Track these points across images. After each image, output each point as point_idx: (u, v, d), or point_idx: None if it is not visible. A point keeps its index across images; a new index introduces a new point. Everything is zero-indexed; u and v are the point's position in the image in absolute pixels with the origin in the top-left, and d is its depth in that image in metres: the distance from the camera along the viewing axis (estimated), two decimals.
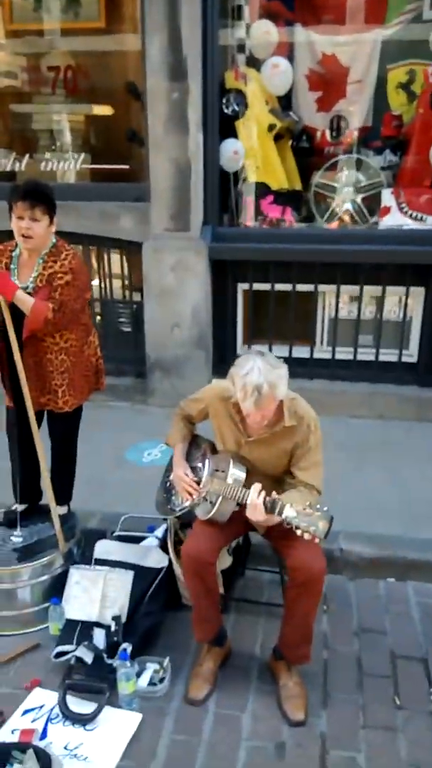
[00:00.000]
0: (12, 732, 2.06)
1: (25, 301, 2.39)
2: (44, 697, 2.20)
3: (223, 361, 4.25)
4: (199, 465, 2.35)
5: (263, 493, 2.02)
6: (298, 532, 1.93)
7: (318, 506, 1.95)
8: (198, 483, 2.27)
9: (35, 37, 4.67)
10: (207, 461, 2.31)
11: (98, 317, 4.54)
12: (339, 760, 1.98)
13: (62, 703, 2.13)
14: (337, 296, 4.12)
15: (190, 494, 2.26)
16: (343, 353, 4.23)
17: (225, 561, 2.51)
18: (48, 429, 2.75)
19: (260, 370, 1.95)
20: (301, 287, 4.13)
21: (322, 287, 4.14)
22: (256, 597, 2.68)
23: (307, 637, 2.16)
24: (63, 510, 2.80)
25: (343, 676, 2.30)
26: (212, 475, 2.22)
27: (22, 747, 1.94)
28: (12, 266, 2.50)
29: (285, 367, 2.04)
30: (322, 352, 4.29)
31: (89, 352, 2.68)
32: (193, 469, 2.35)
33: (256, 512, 2.02)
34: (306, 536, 1.92)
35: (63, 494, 2.81)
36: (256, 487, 2.04)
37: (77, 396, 2.63)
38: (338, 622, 2.56)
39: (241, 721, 2.12)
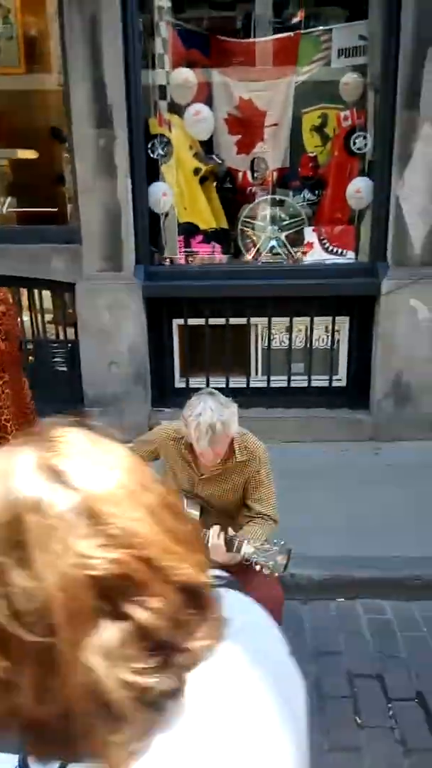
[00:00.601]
0: None
1: None
2: None
3: (162, 395, 4.33)
4: None
5: (222, 534, 2.08)
6: (257, 568, 2.01)
7: (275, 540, 2.03)
8: None
9: None
10: None
11: (31, 357, 4.50)
12: None
13: None
14: (269, 327, 4.30)
15: None
16: (278, 381, 4.41)
17: None
18: None
19: (212, 410, 2.02)
20: (234, 320, 4.28)
21: (254, 320, 4.31)
22: None
23: None
24: None
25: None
26: None
27: None
28: None
29: (235, 405, 2.13)
30: (257, 382, 4.44)
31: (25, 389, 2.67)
32: None
33: (218, 553, 2.06)
34: (265, 571, 1.99)
35: None
36: (215, 529, 2.09)
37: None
38: (295, 647, 2.53)
39: None
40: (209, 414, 2.02)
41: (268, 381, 4.40)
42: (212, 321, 4.27)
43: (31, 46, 4.59)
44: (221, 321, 4.26)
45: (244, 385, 4.39)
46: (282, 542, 2.03)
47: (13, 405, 2.56)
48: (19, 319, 2.63)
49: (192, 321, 4.30)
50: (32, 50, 4.58)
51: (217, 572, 0.63)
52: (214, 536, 2.08)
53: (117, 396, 4.26)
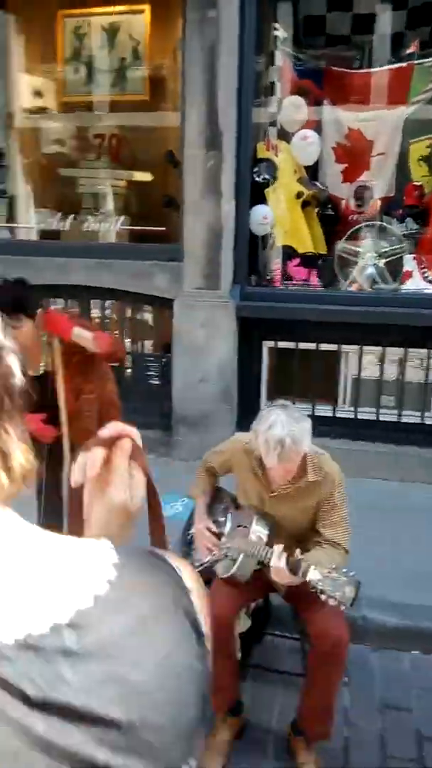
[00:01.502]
0: None
1: (86, 335, 2.36)
2: None
3: (247, 416, 4.30)
4: (222, 519, 2.34)
5: (284, 555, 1.98)
6: (323, 597, 1.88)
7: (345, 570, 1.89)
8: (219, 538, 2.26)
9: (84, 109, 5.04)
10: (229, 516, 2.31)
11: (128, 371, 4.70)
12: None
13: None
14: (360, 356, 4.22)
15: (210, 550, 2.24)
16: (366, 413, 4.29)
17: (243, 624, 2.41)
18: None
19: (283, 424, 1.95)
20: (325, 347, 4.24)
21: (345, 347, 4.25)
22: (274, 665, 2.53)
23: (328, 712, 2.05)
24: None
25: (365, 756, 2.16)
26: (234, 530, 2.22)
27: None
28: None
29: (309, 421, 2.04)
30: (344, 412, 4.35)
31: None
32: (215, 522, 2.35)
33: (279, 575, 1.99)
34: (331, 602, 1.86)
35: None
36: (278, 549, 2.00)
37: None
38: (360, 696, 2.41)
39: None
40: (279, 428, 1.95)
41: (356, 412, 4.30)
42: (303, 345, 4.26)
43: (156, 73, 4.86)
44: (312, 346, 4.23)
45: (330, 414, 4.31)
46: (352, 573, 1.89)
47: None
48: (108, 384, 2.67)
49: (282, 344, 4.31)
50: (156, 78, 4.86)
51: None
52: (276, 558, 1.99)
53: (204, 413, 4.32)
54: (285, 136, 4.47)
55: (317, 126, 4.52)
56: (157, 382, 4.66)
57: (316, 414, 4.24)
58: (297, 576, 1.95)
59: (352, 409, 4.30)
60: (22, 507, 0.55)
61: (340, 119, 4.56)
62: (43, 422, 2.39)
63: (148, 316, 4.68)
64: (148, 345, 4.72)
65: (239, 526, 2.22)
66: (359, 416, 4.28)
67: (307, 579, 1.91)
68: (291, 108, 4.46)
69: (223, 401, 4.30)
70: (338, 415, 4.32)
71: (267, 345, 4.40)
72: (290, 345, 4.28)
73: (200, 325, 4.24)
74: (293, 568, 1.96)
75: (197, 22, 3.91)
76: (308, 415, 2.15)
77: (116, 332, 2.39)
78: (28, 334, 2.30)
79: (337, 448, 3.96)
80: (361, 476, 3.96)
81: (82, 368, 2.49)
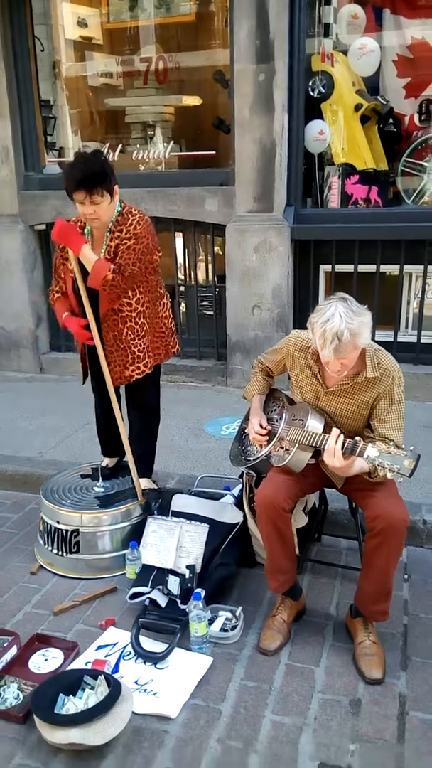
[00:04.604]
0: (85, 663, 2.10)
1: (90, 259, 2.40)
2: (118, 636, 2.23)
3: None
4: (276, 416, 2.32)
5: (341, 438, 1.95)
6: (381, 472, 1.86)
7: (403, 446, 1.87)
8: (273, 434, 2.24)
9: (129, 34, 4.90)
10: (284, 412, 2.28)
11: (182, 303, 4.64)
12: (418, 723, 1.87)
13: (135, 641, 2.15)
14: (424, 277, 4.00)
15: (263, 444, 2.23)
16: (429, 337, 4.09)
17: (300, 520, 2.45)
18: (126, 398, 2.75)
19: (342, 317, 1.88)
20: (385, 268, 4.03)
21: (407, 268, 4.03)
22: (332, 561, 2.61)
23: (385, 592, 2.06)
24: (148, 483, 2.81)
25: (423, 641, 2.18)
26: (289, 423, 2.19)
27: (94, 674, 1.97)
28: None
29: (369, 314, 1.95)
30: (406, 336, 4.16)
31: (163, 313, 2.69)
32: (270, 420, 2.33)
33: (334, 458, 1.94)
34: (389, 474, 1.83)
35: (143, 468, 2.80)
36: (335, 432, 1.97)
37: (155, 357, 2.65)
38: (419, 591, 2.44)
39: (314, 675, 2.05)
40: (338, 320, 1.87)
41: (419, 336, 4.09)
42: (362, 268, 4.07)
43: None
44: (371, 268, 4.04)
45: (391, 339, 4.13)
46: (411, 447, 1.85)
47: (151, 334, 2.61)
48: (160, 254, 2.61)
49: (340, 267, 4.13)
50: None
51: None
52: (332, 440, 1.96)
53: (258, 340, 4.23)
54: (342, 47, 4.21)
55: (377, 37, 4.23)
56: (211, 313, 4.58)
57: (377, 340, 4.04)
58: (353, 455, 1.91)
59: (414, 332, 4.10)
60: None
61: (403, 28, 4.24)
62: (82, 327, 2.50)
63: (200, 245, 4.58)
64: (202, 275, 4.63)
65: (294, 419, 2.18)
66: (423, 340, 4.08)
67: (364, 456, 1.88)
68: (348, 16, 4.19)
69: (278, 328, 4.19)
70: (400, 339, 4.13)
71: (324, 269, 4.24)
72: (348, 268, 4.09)
73: (253, 250, 4.12)
74: (350, 448, 1.92)
75: None
76: None
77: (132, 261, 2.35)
78: (109, 210, 2.39)
79: None
80: (421, 399, 3.84)
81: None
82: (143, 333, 2.56)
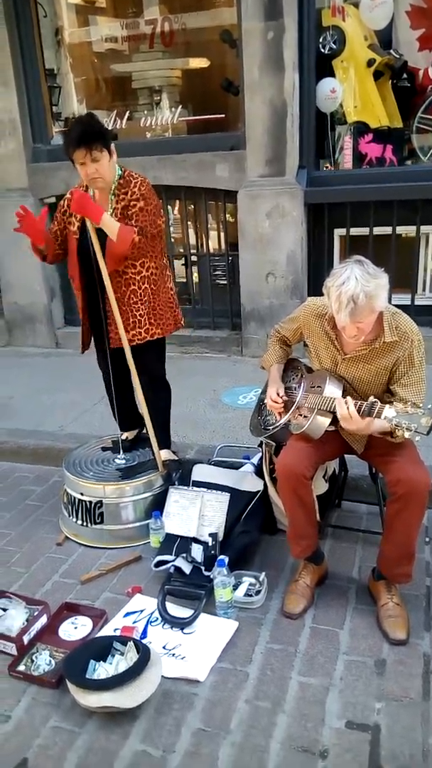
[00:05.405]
0: (114, 630, 2.15)
1: (112, 226, 2.38)
2: (145, 603, 2.27)
3: None
4: (295, 385, 2.32)
5: (350, 401, 1.94)
6: (399, 432, 1.83)
7: (421, 405, 1.85)
8: (291, 403, 2.23)
9: None
10: (303, 381, 2.27)
11: (195, 272, 4.59)
12: None
13: (162, 607, 2.20)
14: None
15: (282, 413, 2.22)
16: None
17: (320, 486, 2.46)
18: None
19: (357, 279, 1.84)
20: (402, 229, 3.95)
21: (424, 228, 3.95)
22: (353, 526, 2.63)
23: (408, 554, 2.07)
24: (168, 454, 2.82)
25: None
26: (307, 391, 2.18)
27: (123, 640, 2.01)
28: None
29: (385, 276, 1.91)
30: (424, 299, 4.10)
31: (169, 284, 2.67)
32: (289, 389, 2.32)
33: (351, 422, 1.94)
34: (407, 434, 1.81)
35: (162, 439, 2.80)
36: (341, 401, 1.97)
37: (160, 326, 2.63)
38: None
39: (339, 637, 2.08)
40: (353, 283, 1.84)
41: None
42: (378, 230, 3.99)
43: None
44: (387, 230, 3.96)
45: (408, 303, 4.07)
46: (430, 406, 1.83)
47: (153, 301, 2.59)
48: (164, 218, 2.59)
49: (355, 231, 4.06)
50: None
51: None
52: (341, 409, 1.94)
53: (273, 308, 4.20)
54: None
55: None
56: (224, 282, 4.55)
57: (393, 303, 3.99)
58: (371, 417, 1.90)
59: None
60: None
61: None
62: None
63: (211, 213, 4.51)
64: (214, 243, 4.58)
65: (312, 386, 2.17)
66: None
67: (382, 417, 1.85)
68: None
69: (293, 295, 4.15)
70: (417, 303, 4.07)
71: (338, 233, 4.17)
72: (364, 231, 4.02)
73: (266, 215, 4.05)
74: (368, 410, 1.90)
75: None
76: None
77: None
78: (111, 170, 2.41)
79: None
80: None
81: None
82: (146, 298, 2.55)
